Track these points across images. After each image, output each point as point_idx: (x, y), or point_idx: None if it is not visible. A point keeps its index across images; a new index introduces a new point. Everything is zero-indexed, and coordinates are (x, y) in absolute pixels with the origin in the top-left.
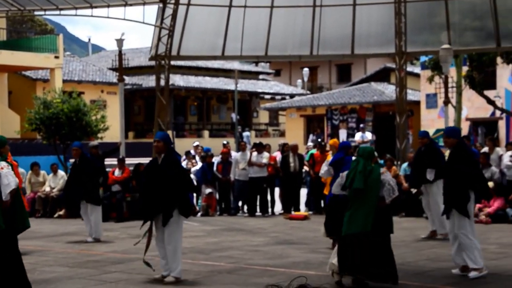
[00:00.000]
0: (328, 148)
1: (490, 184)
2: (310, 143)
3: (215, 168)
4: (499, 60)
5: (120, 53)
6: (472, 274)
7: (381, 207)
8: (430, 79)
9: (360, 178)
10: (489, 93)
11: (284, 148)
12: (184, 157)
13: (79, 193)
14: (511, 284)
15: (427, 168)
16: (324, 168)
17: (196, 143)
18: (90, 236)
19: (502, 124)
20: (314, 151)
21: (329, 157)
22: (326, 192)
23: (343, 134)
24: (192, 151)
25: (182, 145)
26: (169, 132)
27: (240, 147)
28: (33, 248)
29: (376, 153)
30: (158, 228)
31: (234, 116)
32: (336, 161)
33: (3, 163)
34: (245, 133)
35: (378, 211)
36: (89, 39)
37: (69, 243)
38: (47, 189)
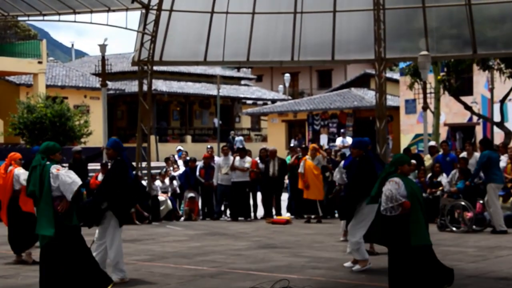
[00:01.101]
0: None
1: None
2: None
3: (197, 173)
4: (475, 67)
5: (103, 59)
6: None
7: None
8: (411, 86)
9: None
10: (466, 99)
11: (260, 153)
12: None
13: None
14: (489, 286)
15: None
16: (337, 175)
17: (179, 148)
18: None
19: (479, 129)
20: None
21: (309, 162)
22: (306, 196)
23: (324, 139)
24: (176, 156)
25: (165, 149)
26: (152, 137)
27: (223, 152)
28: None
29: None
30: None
31: (216, 121)
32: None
33: (57, 166)
34: (238, 138)
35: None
36: (72, 45)
37: None
38: None
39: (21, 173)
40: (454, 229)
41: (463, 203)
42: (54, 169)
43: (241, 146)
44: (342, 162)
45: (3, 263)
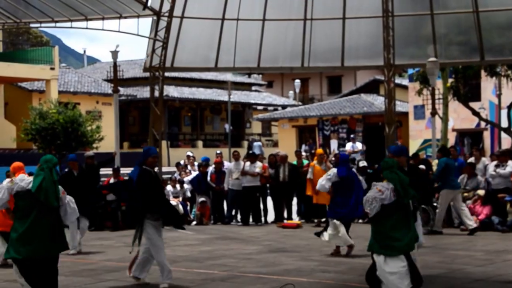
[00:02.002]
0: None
1: (481, 192)
2: (303, 153)
3: (208, 178)
4: (483, 73)
5: (115, 65)
6: None
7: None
8: (419, 92)
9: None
10: (474, 105)
11: (269, 159)
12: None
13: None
14: None
15: None
16: (322, 182)
17: (189, 153)
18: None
19: (487, 135)
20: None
21: (318, 168)
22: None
23: (334, 144)
24: (186, 161)
25: (177, 155)
26: (163, 143)
27: (234, 157)
28: None
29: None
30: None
31: (227, 126)
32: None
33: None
34: (257, 143)
35: None
36: (84, 51)
37: (64, 252)
38: None
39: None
40: None
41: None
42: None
43: (259, 152)
44: (335, 170)
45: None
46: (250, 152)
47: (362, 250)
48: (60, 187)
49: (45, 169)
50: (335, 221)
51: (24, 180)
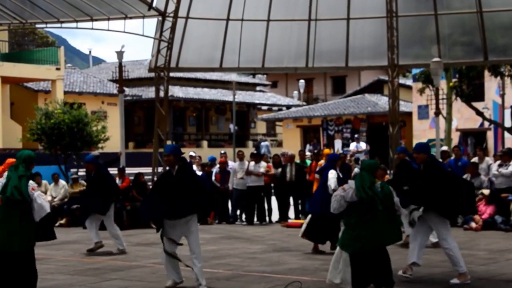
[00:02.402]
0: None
1: (486, 191)
2: (307, 153)
3: (213, 178)
4: (486, 73)
5: (120, 65)
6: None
7: None
8: (421, 91)
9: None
10: (478, 105)
11: (274, 159)
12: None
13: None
14: None
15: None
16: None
17: (191, 153)
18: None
19: (490, 135)
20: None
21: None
22: None
23: (338, 144)
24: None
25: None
26: (168, 143)
27: (238, 157)
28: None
29: (381, 166)
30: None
31: (231, 126)
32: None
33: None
34: (264, 143)
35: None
36: (90, 51)
37: (70, 251)
38: (49, 198)
39: None
40: None
41: None
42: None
43: (266, 151)
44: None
45: None
46: (255, 152)
47: None
48: (31, 182)
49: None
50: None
51: None
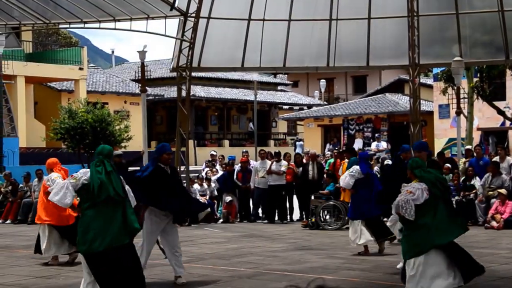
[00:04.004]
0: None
1: (503, 191)
2: (327, 152)
3: (235, 176)
4: (508, 72)
5: (142, 65)
6: None
7: None
8: (444, 91)
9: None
10: (499, 104)
11: (295, 158)
12: (204, 165)
13: None
14: None
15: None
16: (346, 179)
17: (212, 152)
18: None
19: (511, 134)
20: (332, 160)
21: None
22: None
23: (359, 143)
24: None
25: (203, 154)
26: (190, 142)
27: (260, 156)
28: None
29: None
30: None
31: (251, 125)
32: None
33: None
34: (299, 143)
35: None
36: (113, 51)
37: None
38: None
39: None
40: (329, 227)
41: (332, 203)
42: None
43: (301, 151)
44: (358, 167)
45: (44, 264)
46: (300, 151)
47: (388, 248)
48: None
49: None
50: (355, 222)
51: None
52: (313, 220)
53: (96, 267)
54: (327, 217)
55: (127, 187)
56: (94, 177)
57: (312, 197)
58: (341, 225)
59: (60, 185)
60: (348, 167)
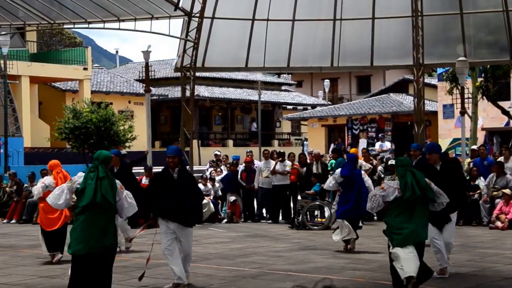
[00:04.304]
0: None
1: (508, 191)
2: (331, 153)
3: (239, 176)
4: None
5: (146, 65)
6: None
7: None
8: (450, 91)
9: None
10: (504, 104)
11: (300, 158)
12: (208, 165)
13: None
14: None
15: None
16: (332, 181)
17: (216, 152)
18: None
19: None
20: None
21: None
22: None
23: (363, 143)
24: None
25: (207, 154)
26: (194, 142)
27: (264, 156)
28: (64, 253)
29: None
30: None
31: (254, 125)
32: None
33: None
34: (307, 142)
35: None
36: (117, 51)
37: None
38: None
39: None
40: (315, 227)
41: (318, 203)
42: (119, 184)
43: (308, 150)
44: (339, 170)
45: (49, 263)
46: (308, 151)
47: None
48: (118, 182)
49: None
50: (341, 221)
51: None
52: (299, 220)
53: (77, 269)
54: (314, 217)
55: (125, 193)
56: (82, 182)
57: (299, 197)
58: (326, 226)
59: (58, 188)
60: (335, 168)
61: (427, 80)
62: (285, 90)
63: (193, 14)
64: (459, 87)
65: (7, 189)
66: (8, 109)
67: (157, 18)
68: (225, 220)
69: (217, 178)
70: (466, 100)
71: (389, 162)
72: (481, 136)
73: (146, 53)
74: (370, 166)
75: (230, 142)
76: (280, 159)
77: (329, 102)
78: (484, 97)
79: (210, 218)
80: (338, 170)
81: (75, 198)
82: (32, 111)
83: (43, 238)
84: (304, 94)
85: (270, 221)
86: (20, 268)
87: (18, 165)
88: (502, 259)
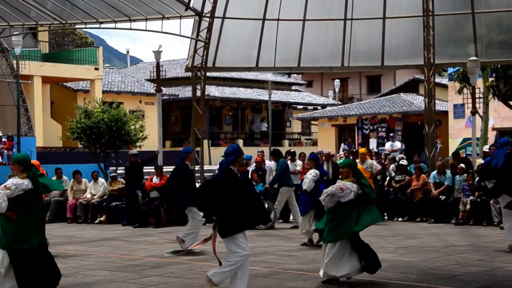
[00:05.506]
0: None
1: None
2: (341, 152)
3: (250, 176)
4: None
5: (157, 65)
6: None
7: None
8: (460, 91)
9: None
10: None
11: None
12: (218, 165)
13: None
14: None
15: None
16: (308, 183)
17: None
18: None
19: None
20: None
21: (360, 166)
22: None
23: (373, 143)
24: None
25: (218, 153)
26: (205, 141)
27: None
28: (75, 252)
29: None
30: None
31: (264, 125)
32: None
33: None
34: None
35: None
36: (128, 51)
37: (110, 248)
38: (88, 196)
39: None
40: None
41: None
42: None
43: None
44: (317, 171)
45: (62, 262)
46: (291, 151)
47: (404, 248)
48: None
49: None
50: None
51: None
52: None
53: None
54: None
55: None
56: None
57: None
58: (269, 226)
59: None
60: (280, 168)
61: (438, 79)
62: (296, 90)
63: (204, 14)
64: (470, 87)
65: None
66: (20, 109)
67: (168, 18)
68: None
69: None
70: (477, 100)
71: (401, 162)
72: (491, 136)
73: (157, 53)
74: (380, 166)
75: (241, 142)
76: (291, 158)
77: (339, 102)
78: (495, 97)
79: None
80: (317, 171)
81: None
82: (44, 111)
83: None
84: (314, 94)
85: (280, 221)
86: None
87: None
88: None
